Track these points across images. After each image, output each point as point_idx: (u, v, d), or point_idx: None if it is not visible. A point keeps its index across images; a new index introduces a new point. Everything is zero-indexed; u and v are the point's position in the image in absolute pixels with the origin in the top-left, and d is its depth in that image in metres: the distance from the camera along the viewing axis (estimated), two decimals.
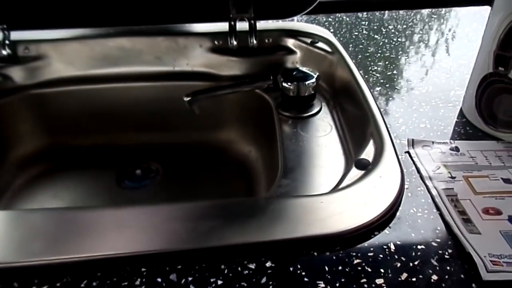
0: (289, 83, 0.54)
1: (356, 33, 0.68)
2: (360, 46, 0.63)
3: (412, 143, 0.41)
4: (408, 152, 0.40)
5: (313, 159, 0.46)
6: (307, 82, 0.54)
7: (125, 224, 0.32)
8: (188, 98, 0.58)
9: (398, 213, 0.33)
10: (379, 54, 0.60)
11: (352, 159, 0.44)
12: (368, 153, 0.40)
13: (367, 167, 0.38)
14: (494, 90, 0.40)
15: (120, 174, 0.66)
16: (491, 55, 0.39)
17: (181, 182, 0.65)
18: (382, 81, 0.54)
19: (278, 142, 0.51)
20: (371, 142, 0.42)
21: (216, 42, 0.66)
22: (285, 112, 0.55)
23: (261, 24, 0.65)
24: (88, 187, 0.64)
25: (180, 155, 0.69)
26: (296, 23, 0.70)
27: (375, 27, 0.70)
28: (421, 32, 0.67)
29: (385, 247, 0.30)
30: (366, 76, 0.55)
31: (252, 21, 0.63)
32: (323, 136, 0.51)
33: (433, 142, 0.41)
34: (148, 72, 0.68)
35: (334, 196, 0.34)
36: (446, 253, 0.30)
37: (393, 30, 0.68)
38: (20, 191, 0.63)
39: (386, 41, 0.64)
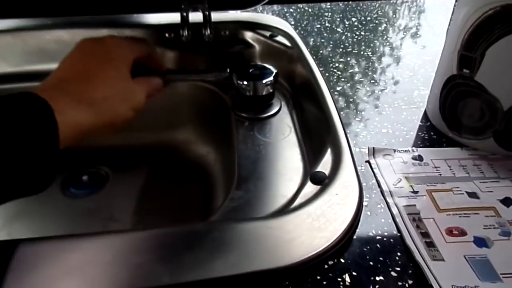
0: (245, 82, 0.49)
1: (318, 26, 0.64)
2: (322, 40, 0.59)
3: (373, 151, 0.37)
4: (368, 162, 0.37)
5: (269, 167, 0.42)
6: (264, 81, 0.50)
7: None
8: None
9: (355, 236, 0.30)
10: (340, 49, 0.57)
11: (309, 169, 0.40)
12: (325, 165, 0.36)
13: (323, 182, 0.34)
14: (458, 93, 0.37)
15: (65, 180, 0.60)
16: (455, 56, 0.36)
17: (133, 188, 0.60)
18: (343, 79, 0.50)
19: (234, 147, 0.47)
20: (329, 151, 0.38)
21: (167, 35, 0.61)
22: (242, 112, 0.51)
23: (217, 15, 0.59)
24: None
25: (132, 158, 0.63)
26: (255, 14, 0.65)
27: (338, 19, 0.66)
28: (385, 24, 0.64)
29: (339, 279, 0.27)
30: (327, 74, 0.51)
31: (207, 12, 0.58)
32: (282, 139, 0.47)
33: (395, 151, 0.37)
34: None
35: (285, 220, 0.30)
36: (407, 285, 0.26)
37: (356, 23, 0.64)
38: None
39: (349, 34, 0.61)
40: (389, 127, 0.41)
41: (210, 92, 0.58)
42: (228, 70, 0.52)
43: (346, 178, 0.34)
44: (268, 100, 0.52)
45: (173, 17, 0.61)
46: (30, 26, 0.60)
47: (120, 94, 0.33)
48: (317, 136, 0.45)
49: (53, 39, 0.60)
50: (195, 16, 0.58)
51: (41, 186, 0.26)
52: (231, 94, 0.54)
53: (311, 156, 0.43)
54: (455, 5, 0.38)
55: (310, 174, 0.35)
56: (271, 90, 0.51)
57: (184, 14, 0.58)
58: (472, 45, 0.34)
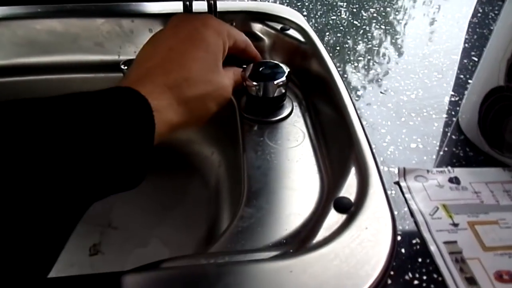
0: (254, 82, 0.45)
1: (334, 17, 0.58)
2: (338, 35, 0.54)
3: (404, 172, 0.33)
4: (398, 184, 0.33)
5: (282, 180, 0.38)
6: (276, 81, 0.45)
7: None
8: (126, 68, 0.49)
9: (389, 281, 0.26)
10: (359, 45, 0.51)
11: (326, 183, 0.36)
12: (349, 188, 0.32)
13: (348, 210, 0.30)
14: (504, 108, 0.33)
15: None
16: (504, 65, 0.31)
17: (132, 190, 0.56)
18: (364, 81, 0.45)
19: (241, 155, 0.43)
20: (353, 171, 0.33)
21: None
22: (250, 115, 0.46)
23: (223, 4, 0.54)
24: None
25: None
26: (265, 4, 0.59)
27: (355, 10, 0.60)
28: (406, 17, 0.59)
29: None
30: (345, 76, 0.46)
31: (212, 1, 0.53)
32: (295, 147, 0.42)
33: (428, 171, 0.33)
34: (88, 62, 0.57)
35: (308, 260, 0.26)
36: None
37: (375, 15, 0.59)
38: None
39: (367, 28, 0.55)
40: (419, 141, 0.37)
41: None
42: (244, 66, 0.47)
43: (376, 207, 0.29)
44: (279, 102, 0.47)
45: (175, 6, 0.56)
46: (19, 14, 0.55)
47: (213, 91, 0.32)
48: (336, 146, 0.40)
49: (44, 29, 0.55)
50: (199, 5, 0.52)
51: (135, 182, 0.26)
52: (237, 93, 0.50)
53: (328, 168, 0.39)
54: (480, 8, 0.33)
55: (334, 200, 0.31)
56: (283, 91, 0.46)
57: (187, 3, 0.52)
58: None
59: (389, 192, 0.32)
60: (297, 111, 0.47)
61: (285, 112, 0.47)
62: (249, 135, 0.44)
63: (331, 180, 0.37)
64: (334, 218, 0.30)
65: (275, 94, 0.46)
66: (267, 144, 0.43)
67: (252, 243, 0.31)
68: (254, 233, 0.33)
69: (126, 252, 0.52)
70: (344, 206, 0.30)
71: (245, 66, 0.44)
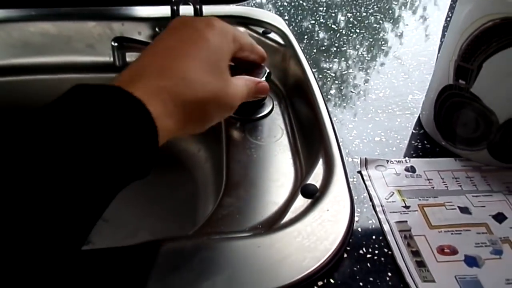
0: None
1: (313, 22, 0.62)
2: (316, 38, 0.58)
3: (365, 162, 0.36)
4: (360, 173, 0.36)
5: (260, 172, 0.42)
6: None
7: None
8: (116, 44, 0.50)
9: (345, 255, 0.29)
10: (334, 49, 0.55)
11: (300, 176, 0.40)
12: (316, 177, 0.35)
13: (314, 195, 0.34)
14: (453, 104, 0.36)
15: None
16: (452, 65, 0.35)
17: None
18: (336, 82, 0.49)
19: (223, 149, 0.46)
20: (321, 161, 0.37)
21: (157, 29, 0.58)
22: (233, 113, 0.49)
23: (208, 9, 0.57)
24: None
25: None
26: (248, 8, 0.63)
27: (333, 15, 0.64)
28: (380, 21, 0.63)
29: None
30: (320, 76, 0.50)
31: (198, 6, 0.56)
32: (274, 142, 0.46)
33: (387, 161, 0.37)
34: (81, 63, 0.60)
35: (274, 238, 0.30)
36: None
37: (351, 19, 0.63)
38: None
39: (344, 32, 0.59)
40: (383, 135, 0.40)
41: None
42: None
43: (338, 192, 0.33)
44: (260, 101, 0.51)
45: (163, 11, 0.59)
46: (14, 17, 0.58)
47: (213, 95, 0.28)
48: (309, 141, 0.44)
49: (38, 32, 0.58)
50: (186, 10, 0.56)
51: (142, 175, 0.25)
52: None
53: (302, 161, 0.42)
54: (451, 13, 0.37)
55: (301, 187, 0.34)
56: None
57: (175, 7, 0.56)
58: (469, 56, 0.33)
59: (351, 180, 0.35)
60: (277, 110, 0.51)
61: (266, 110, 0.50)
62: (231, 132, 0.48)
63: (303, 171, 0.40)
64: (300, 202, 0.33)
65: None
66: (248, 140, 0.46)
67: (230, 228, 0.35)
68: (232, 220, 0.36)
69: (115, 242, 0.55)
70: (310, 192, 0.34)
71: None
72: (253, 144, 0.45)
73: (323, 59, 0.53)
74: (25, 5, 0.59)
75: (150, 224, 0.58)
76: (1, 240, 0.18)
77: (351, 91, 0.47)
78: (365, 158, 0.37)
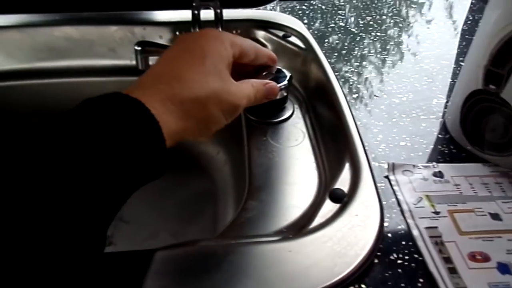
0: None
1: (333, 25, 0.62)
2: (337, 42, 0.58)
3: (393, 167, 0.36)
4: (387, 178, 0.36)
5: (283, 175, 0.42)
6: (278, 85, 0.48)
7: None
8: (139, 48, 0.50)
9: (376, 260, 0.29)
10: (355, 52, 0.55)
11: (324, 179, 0.40)
12: (343, 181, 0.35)
13: (342, 200, 0.34)
14: (482, 109, 0.36)
15: None
16: (481, 70, 0.35)
17: (142, 188, 0.60)
18: (359, 86, 0.49)
19: (245, 152, 0.46)
20: (347, 166, 0.37)
21: (177, 33, 0.59)
22: (253, 115, 0.50)
23: (228, 13, 0.58)
24: None
25: None
26: (268, 12, 0.63)
27: (352, 18, 0.64)
28: (401, 24, 0.62)
29: None
30: (342, 80, 0.50)
31: (218, 10, 0.56)
32: (295, 146, 0.46)
33: (414, 166, 0.37)
34: (102, 66, 0.61)
35: (305, 243, 0.30)
36: None
37: (371, 22, 0.63)
38: None
39: (364, 35, 0.59)
40: (408, 140, 0.40)
41: None
42: None
43: (366, 196, 0.33)
44: (281, 104, 0.51)
45: (184, 15, 0.59)
46: (38, 22, 0.59)
47: (213, 94, 0.29)
48: (333, 145, 0.44)
49: (62, 36, 0.59)
50: (207, 14, 0.56)
51: (155, 174, 0.26)
52: None
53: (326, 165, 0.42)
54: (471, 16, 0.36)
55: (329, 192, 0.34)
56: (285, 94, 0.50)
57: (196, 12, 0.56)
58: (500, 61, 0.33)
59: (379, 185, 0.35)
60: (298, 113, 0.51)
61: (287, 113, 0.50)
62: (252, 135, 0.48)
63: (327, 175, 0.40)
64: (329, 207, 0.33)
65: (278, 97, 0.49)
66: (270, 143, 0.46)
67: (255, 232, 0.35)
68: (256, 223, 0.36)
69: (137, 244, 0.55)
70: (338, 197, 0.34)
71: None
72: (274, 148, 0.45)
73: (344, 62, 0.53)
74: (49, 10, 0.60)
75: (170, 226, 0.59)
76: (21, 241, 0.19)
77: (375, 95, 0.47)
78: (393, 163, 0.36)
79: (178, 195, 0.61)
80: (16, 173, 0.20)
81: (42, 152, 0.21)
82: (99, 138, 0.22)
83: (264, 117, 0.49)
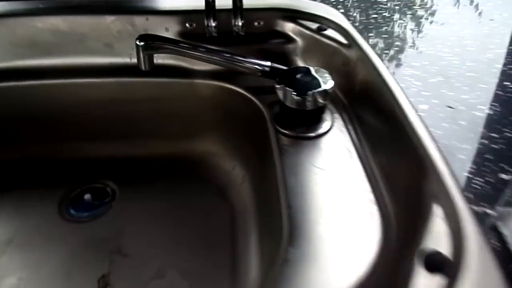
0: (293, 93, 0.39)
1: (375, 15, 0.52)
2: (384, 36, 0.47)
3: (505, 216, 0.26)
4: (494, 229, 0.25)
5: (331, 212, 0.32)
6: (317, 91, 0.39)
7: None
8: (142, 43, 0.43)
9: None
10: (411, 49, 0.44)
11: (385, 209, 0.29)
12: (435, 238, 0.25)
13: (442, 269, 0.23)
14: None
15: (63, 199, 0.51)
16: None
17: (144, 210, 0.51)
18: (425, 92, 0.38)
19: (278, 178, 0.37)
20: (434, 211, 0.26)
21: (187, 25, 0.50)
22: (284, 128, 0.41)
23: (249, 1, 0.48)
24: (17, 219, 0.49)
25: (142, 172, 0.54)
26: (296, 0, 0.53)
27: (397, 7, 0.53)
28: (456, 15, 0.52)
29: None
30: (402, 85, 0.39)
31: None
32: (341, 168, 0.36)
33: None
34: (97, 65, 0.53)
35: None
36: None
37: (421, 13, 0.52)
38: None
39: (417, 28, 0.48)
40: (510, 170, 0.30)
41: (242, 98, 0.48)
42: (269, 64, 0.40)
43: (477, 264, 0.22)
44: (318, 114, 0.41)
45: (195, 2, 0.50)
46: (18, 11, 0.51)
47: None
48: (398, 170, 0.34)
49: (47, 28, 0.51)
50: (224, 1, 0.46)
51: None
52: (268, 102, 0.44)
53: (390, 199, 0.32)
54: None
55: (425, 257, 0.24)
56: (324, 103, 0.40)
57: None
58: None
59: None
60: (338, 125, 0.41)
61: (324, 125, 0.41)
62: (285, 154, 0.38)
63: (400, 221, 0.30)
64: (424, 280, 0.23)
65: (315, 106, 0.39)
66: (308, 165, 0.36)
67: None
68: (307, 283, 0.27)
69: (139, 285, 0.46)
70: (435, 264, 0.23)
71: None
72: (315, 171, 0.36)
73: (400, 62, 0.43)
74: None
75: (178, 259, 0.49)
76: None
77: (449, 107, 0.36)
78: (506, 210, 0.26)
79: (186, 221, 0.51)
80: None
81: None
82: None
83: (298, 130, 0.40)
